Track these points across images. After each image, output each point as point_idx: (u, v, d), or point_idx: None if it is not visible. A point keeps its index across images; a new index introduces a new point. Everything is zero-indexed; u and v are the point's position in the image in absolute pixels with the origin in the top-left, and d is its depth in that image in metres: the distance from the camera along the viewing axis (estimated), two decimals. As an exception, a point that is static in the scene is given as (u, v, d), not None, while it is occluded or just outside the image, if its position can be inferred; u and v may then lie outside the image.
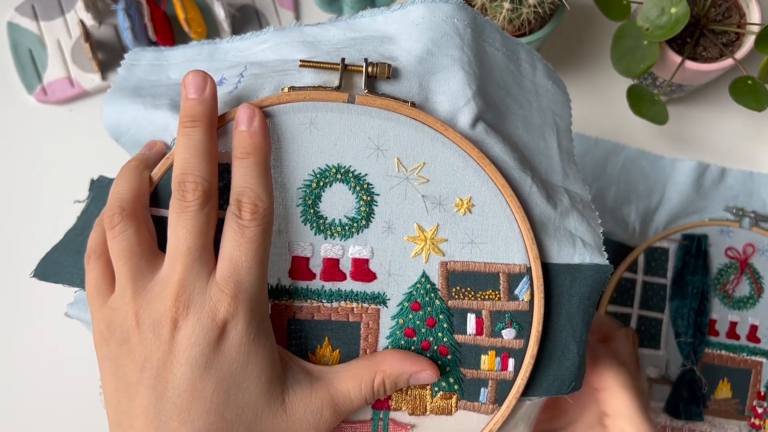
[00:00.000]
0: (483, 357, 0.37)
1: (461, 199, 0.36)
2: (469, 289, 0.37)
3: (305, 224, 0.36)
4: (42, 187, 0.69)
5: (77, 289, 0.39)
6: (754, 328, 0.64)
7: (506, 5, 0.58)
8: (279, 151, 0.35)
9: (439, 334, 0.37)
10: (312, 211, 0.36)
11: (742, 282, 0.65)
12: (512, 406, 0.37)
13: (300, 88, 0.36)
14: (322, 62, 0.36)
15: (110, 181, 0.43)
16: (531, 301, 0.37)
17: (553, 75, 0.45)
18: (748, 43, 0.62)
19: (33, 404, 0.65)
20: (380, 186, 0.36)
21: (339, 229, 0.36)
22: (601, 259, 0.39)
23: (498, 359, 0.37)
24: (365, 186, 0.36)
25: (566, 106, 0.46)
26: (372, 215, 0.36)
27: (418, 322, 0.37)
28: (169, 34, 0.69)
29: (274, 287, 0.36)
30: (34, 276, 0.40)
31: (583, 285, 0.38)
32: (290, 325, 0.36)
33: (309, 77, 0.37)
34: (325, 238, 0.36)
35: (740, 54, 0.62)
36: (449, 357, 0.37)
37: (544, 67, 0.44)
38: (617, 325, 0.56)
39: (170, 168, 0.36)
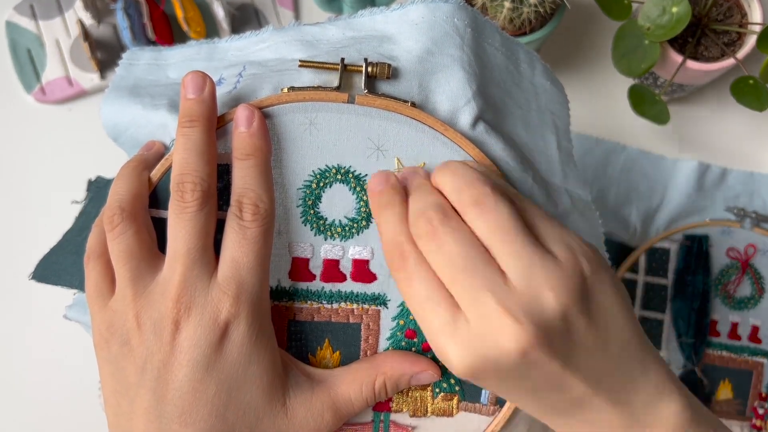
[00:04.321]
0: None
1: (462, 200, 0.36)
2: None
3: (305, 225, 0.36)
4: (41, 187, 0.69)
5: (76, 291, 0.39)
6: (755, 329, 0.64)
7: (507, 4, 0.58)
8: (279, 151, 0.35)
9: None
10: (312, 211, 0.36)
11: (743, 282, 0.64)
12: (513, 407, 0.37)
13: (299, 89, 0.36)
14: (321, 62, 0.36)
15: (108, 181, 0.43)
16: None
17: (551, 76, 0.45)
18: (750, 42, 0.61)
19: (32, 406, 0.65)
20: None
21: (339, 229, 0.36)
22: (603, 259, 0.39)
23: None
24: (365, 186, 0.36)
25: (565, 107, 0.46)
26: (372, 216, 0.36)
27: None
28: (168, 33, 0.68)
29: (274, 288, 0.36)
30: (33, 278, 0.40)
31: (584, 286, 0.38)
32: (290, 326, 0.36)
33: (308, 77, 0.37)
34: (325, 239, 0.36)
35: (742, 54, 0.61)
36: (450, 358, 0.37)
37: (543, 67, 0.44)
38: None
39: (169, 169, 0.35)
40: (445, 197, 0.33)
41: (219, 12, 0.68)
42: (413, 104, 0.36)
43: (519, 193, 0.34)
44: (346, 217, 0.36)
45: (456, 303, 0.31)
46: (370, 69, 0.36)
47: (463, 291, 0.30)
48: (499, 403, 0.37)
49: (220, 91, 0.37)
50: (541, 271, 0.30)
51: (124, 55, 0.44)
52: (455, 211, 0.32)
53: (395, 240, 0.33)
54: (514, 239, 0.31)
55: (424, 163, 0.36)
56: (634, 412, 0.33)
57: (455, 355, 0.30)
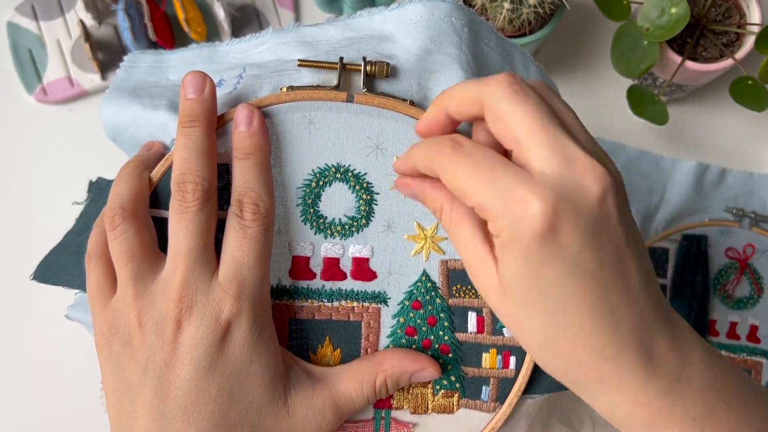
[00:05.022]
0: (484, 355, 0.37)
1: (462, 198, 0.36)
2: (469, 287, 0.37)
3: (305, 224, 0.36)
4: (41, 187, 0.69)
5: (77, 291, 0.39)
6: (754, 329, 0.64)
7: (506, 5, 0.58)
8: (278, 150, 0.35)
9: (440, 333, 0.37)
10: (312, 210, 0.36)
11: (742, 282, 0.65)
12: (514, 404, 0.37)
13: (298, 88, 0.36)
14: (320, 61, 0.37)
15: (108, 182, 0.43)
16: None
17: (545, 77, 0.45)
18: (749, 43, 0.62)
19: (34, 406, 0.65)
20: (380, 185, 0.36)
21: (339, 228, 0.36)
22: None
23: (499, 357, 0.37)
24: (365, 185, 0.36)
25: None
26: (372, 214, 0.36)
27: (419, 321, 0.37)
28: (168, 34, 0.69)
29: (275, 287, 0.36)
30: (34, 278, 0.40)
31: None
32: (291, 324, 0.36)
33: (307, 77, 0.37)
34: (325, 238, 0.36)
35: (740, 54, 0.62)
36: (450, 355, 0.37)
37: (537, 68, 0.44)
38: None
39: (169, 168, 0.36)
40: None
41: (220, 13, 0.68)
42: (412, 103, 0.36)
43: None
44: (345, 215, 0.36)
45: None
46: (368, 68, 0.36)
47: (540, 145, 0.29)
48: (500, 400, 0.38)
49: (221, 92, 0.37)
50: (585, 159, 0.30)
51: (126, 58, 0.44)
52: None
53: (442, 141, 0.32)
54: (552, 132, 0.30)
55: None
56: (675, 336, 0.32)
57: (537, 200, 0.28)
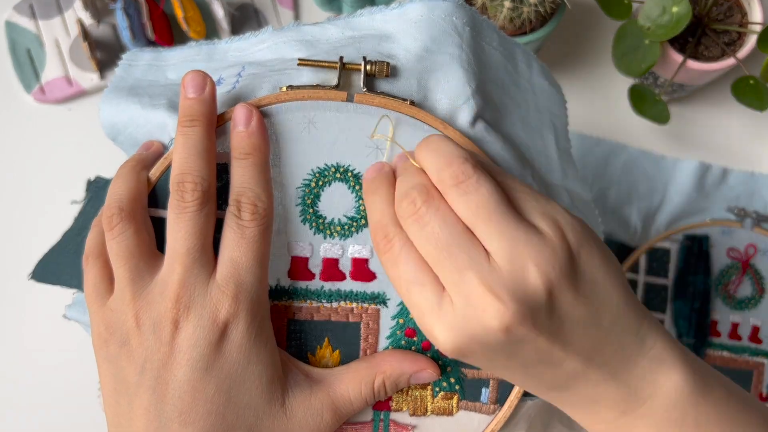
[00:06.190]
0: None
1: (462, 199, 0.36)
2: None
3: (304, 224, 0.36)
4: (40, 187, 0.69)
5: (75, 290, 0.39)
6: (756, 329, 0.64)
7: (507, 4, 0.58)
8: (277, 150, 0.35)
9: None
10: (311, 210, 0.36)
11: (743, 283, 0.64)
12: (513, 406, 0.37)
13: (298, 87, 0.35)
14: (320, 61, 0.36)
15: (107, 181, 0.43)
16: None
17: (548, 75, 0.45)
18: (750, 42, 0.61)
19: (32, 406, 0.65)
20: None
21: (338, 228, 0.36)
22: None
23: None
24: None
25: (562, 107, 0.46)
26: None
27: (418, 322, 0.37)
28: (167, 33, 0.68)
29: (274, 288, 0.36)
30: (32, 277, 0.39)
31: (584, 284, 0.38)
32: (290, 325, 0.36)
33: (307, 76, 0.36)
34: (325, 238, 0.36)
35: (742, 53, 0.61)
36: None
37: (540, 67, 0.44)
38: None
39: (168, 168, 0.35)
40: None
41: (218, 12, 0.68)
42: (412, 102, 0.36)
43: (502, 169, 0.34)
44: (345, 215, 0.36)
45: (441, 284, 0.31)
46: (368, 67, 0.36)
47: (446, 272, 0.30)
48: (500, 402, 0.37)
49: (220, 91, 0.37)
50: (524, 248, 0.30)
51: (124, 56, 0.44)
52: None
53: (380, 222, 0.33)
54: (495, 218, 0.30)
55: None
56: (631, 385, 0.32)
57: (442, 336, 0.31)
